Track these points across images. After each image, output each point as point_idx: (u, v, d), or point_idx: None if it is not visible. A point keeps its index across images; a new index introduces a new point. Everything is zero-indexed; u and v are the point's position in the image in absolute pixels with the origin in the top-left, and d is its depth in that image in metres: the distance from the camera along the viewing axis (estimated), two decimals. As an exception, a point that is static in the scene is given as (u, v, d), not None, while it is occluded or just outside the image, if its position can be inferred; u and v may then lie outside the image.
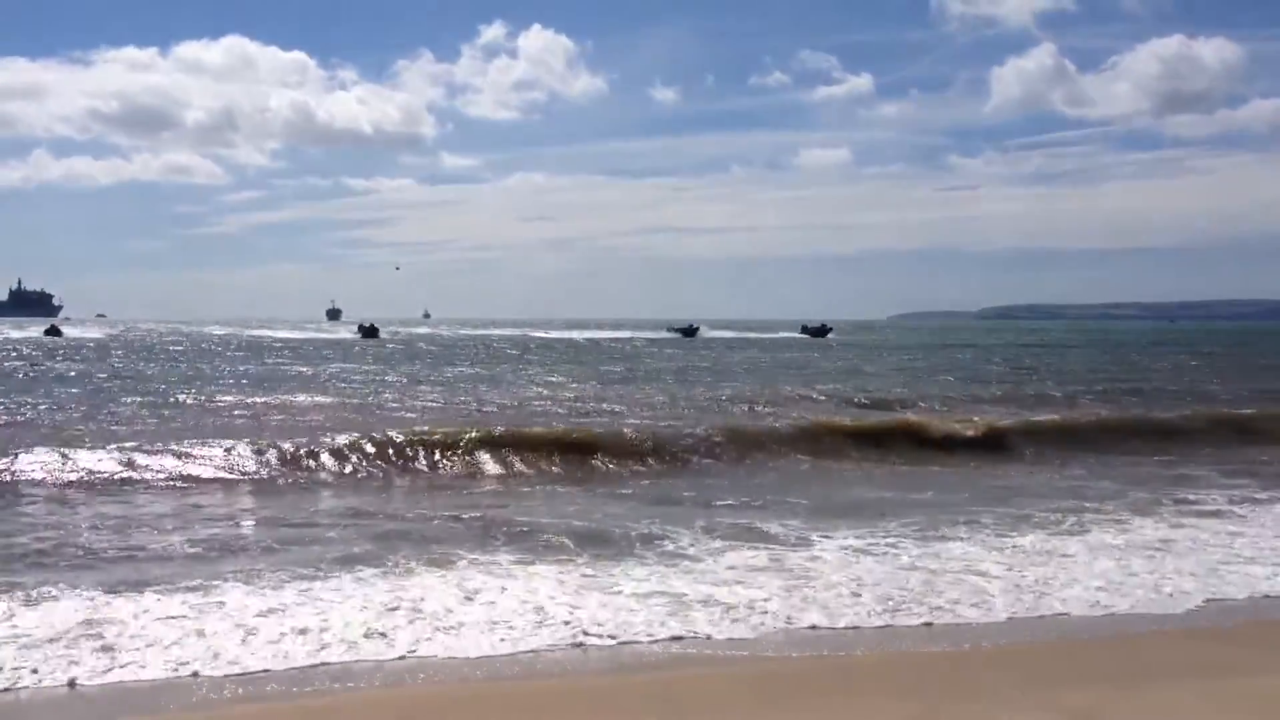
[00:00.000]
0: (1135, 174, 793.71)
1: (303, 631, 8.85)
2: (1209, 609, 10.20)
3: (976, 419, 23.81)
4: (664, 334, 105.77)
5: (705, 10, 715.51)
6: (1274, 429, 24.84)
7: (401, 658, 8.38)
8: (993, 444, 21.69)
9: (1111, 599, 10.32)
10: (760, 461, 20.00)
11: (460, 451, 19.02)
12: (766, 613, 9.62)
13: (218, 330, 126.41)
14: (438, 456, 18.83)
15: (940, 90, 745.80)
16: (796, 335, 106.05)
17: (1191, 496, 16.32)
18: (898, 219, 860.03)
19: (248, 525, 13.62)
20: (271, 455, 18.19)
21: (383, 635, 8.80)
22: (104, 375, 41.30)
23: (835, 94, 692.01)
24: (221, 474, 17.28)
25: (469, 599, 9.90)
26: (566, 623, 9.24)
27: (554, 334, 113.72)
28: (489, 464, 18.71)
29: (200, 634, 8.70)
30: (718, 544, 12.48)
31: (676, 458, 19.83)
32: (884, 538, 12.93)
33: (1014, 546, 12.52)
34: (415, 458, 18.77)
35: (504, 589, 10.23)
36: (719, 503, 15.57)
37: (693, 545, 12.36)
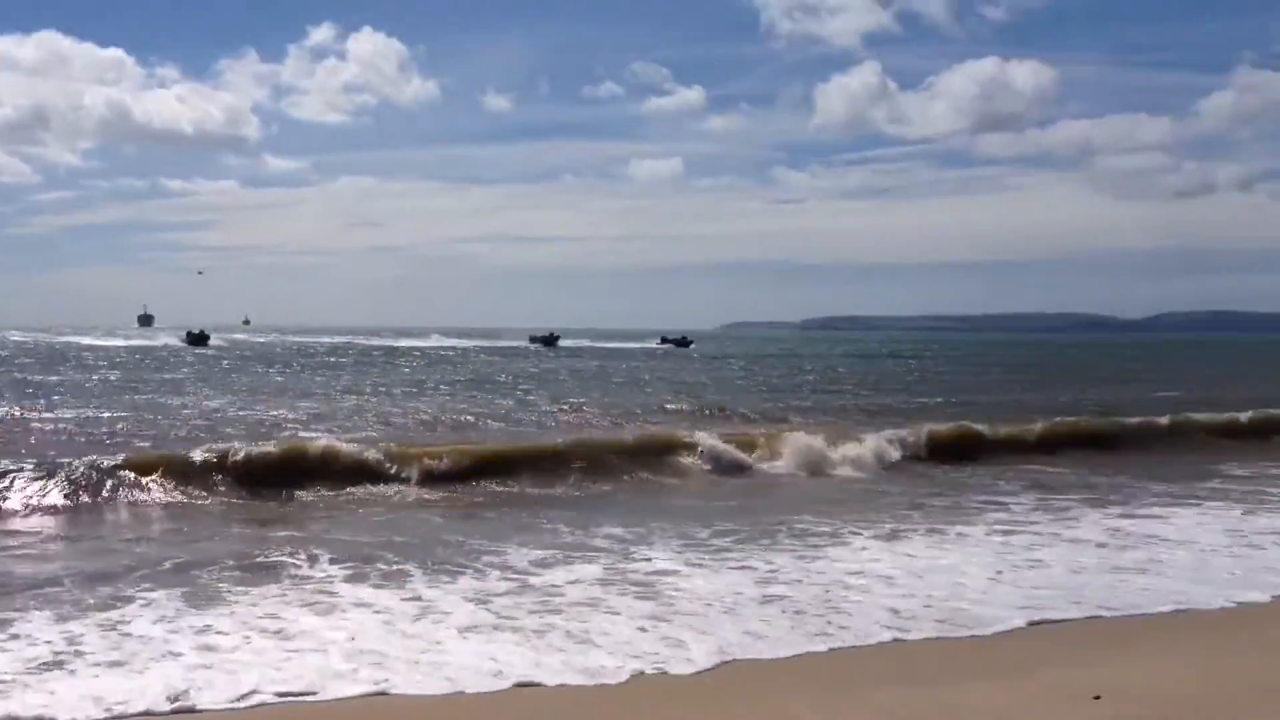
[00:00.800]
0: (952, 190, 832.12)
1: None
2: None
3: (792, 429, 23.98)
4: (526, 343, 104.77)
5: (539, 18, 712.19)
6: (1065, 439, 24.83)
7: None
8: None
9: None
10: (559, 474, 18.83)
11: (263, 469, 17.42)
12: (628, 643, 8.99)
13: (16, 335, 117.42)
14: (240, 474, 17.18)
15: (768, 105, 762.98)
16: (656, 345, 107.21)
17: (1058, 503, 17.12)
18: (728, 230, 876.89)
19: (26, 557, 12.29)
20: (35, 476, 16.21)
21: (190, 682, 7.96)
22: None
23: (666, 106, 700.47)
24: None
25: (278, 636, 8.96)
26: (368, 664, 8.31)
27: (377, 341, 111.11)
28: (294, 480, 17.16)
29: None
30: (538, 554, 12.34)
31: (483, 472, 18.52)
32: (707, 550, 12.79)
33: (825, 557, 12.58)
34: (214, 476, 17.09)
35: (306, 622, 9.43)
36: (536, 516, 15.22)
37: (520, 561, 11.98)
